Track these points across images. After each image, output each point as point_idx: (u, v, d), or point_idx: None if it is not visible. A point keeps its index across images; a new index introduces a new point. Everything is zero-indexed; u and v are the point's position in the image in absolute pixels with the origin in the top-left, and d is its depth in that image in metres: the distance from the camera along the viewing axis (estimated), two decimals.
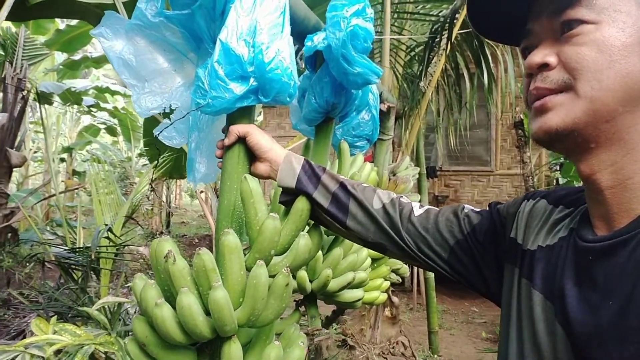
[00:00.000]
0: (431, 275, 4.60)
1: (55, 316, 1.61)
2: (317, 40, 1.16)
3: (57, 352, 1.45)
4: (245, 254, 0.92)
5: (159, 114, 1.19)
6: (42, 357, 1.42)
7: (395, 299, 4.08)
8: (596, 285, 0.59)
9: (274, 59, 0.94)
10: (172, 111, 1.16)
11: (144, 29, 1.11)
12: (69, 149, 11.92)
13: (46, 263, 3.73)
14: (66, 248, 3.18)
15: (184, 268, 0.87)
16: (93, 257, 2.57)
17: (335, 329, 3.89)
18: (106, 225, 2.94)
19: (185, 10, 1.06)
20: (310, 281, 1.46)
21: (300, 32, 1.31)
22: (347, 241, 1.50)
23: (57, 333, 1.52)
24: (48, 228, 6.10)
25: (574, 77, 0.62)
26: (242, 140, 1.02)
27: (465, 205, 0.91)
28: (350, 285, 1.49)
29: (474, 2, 0.75)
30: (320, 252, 1.42)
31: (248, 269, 0.90)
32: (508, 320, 0.74)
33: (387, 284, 2.12)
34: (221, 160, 1.06)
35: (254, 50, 0.94)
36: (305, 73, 1.48)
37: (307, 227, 1.01)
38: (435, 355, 4.68)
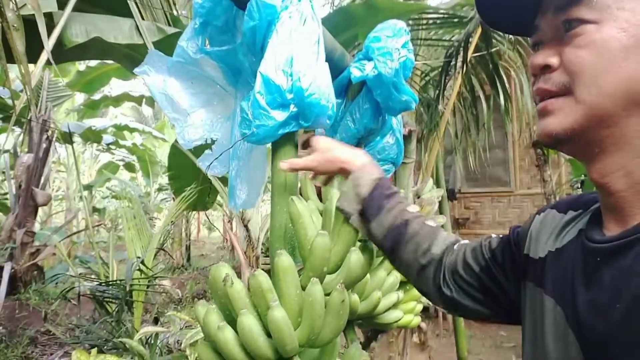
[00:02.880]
0: None
1: (96, 348, 1.63)
2: (368, 70, 1.22)
3: None
4: (299, 275, 0.94)
5: (190, 150, 1.24)
6: None
7: (423, 325, 4.02)
8: (604, 288, 0.58)
9: (312, 85, 0.99)
10: (213, 142, 1.21)
11: (185, 65, 1.17)
12: (88, 187, 12.15)
13: (73, 299, 3.78)
14: (98, 282, 3.22)
15: (242, 290, 0.89)
16: (127, 289, 2.60)
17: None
18: (138, 257, 2.99)
19: (225, 47, 1.13)
20: None
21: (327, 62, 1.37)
22: (387, 261, 1.52)
23: None
24: (75, 263, 6.17)
25: (572, 81, 0.60)
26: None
27: (492, 235, 0.90)
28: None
29: None
30: (367, 274, 1.43)
31: (303, 289, 0.91)
32: (524, 334, 0.73)
33: (420, 306, 2.10)
34: None
35: (292, 78, 0.99)
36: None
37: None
38: None
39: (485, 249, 0.86)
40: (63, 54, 2.06)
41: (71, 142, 7.16)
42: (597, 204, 0.69)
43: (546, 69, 0.64)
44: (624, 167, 0.60)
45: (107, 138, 10.08)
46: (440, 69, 3.66)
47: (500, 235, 0.89)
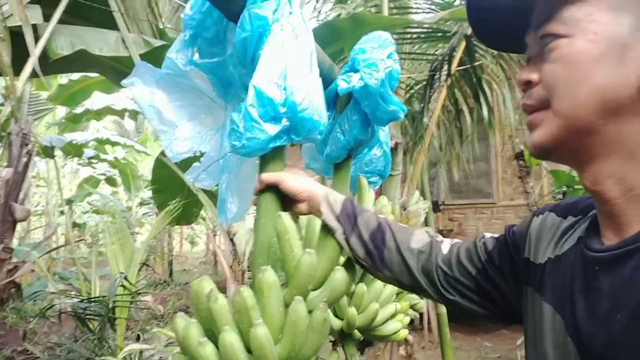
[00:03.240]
0: (444, 310, 4.53)
1: None
2: (354, 81, 1.22)
3: None
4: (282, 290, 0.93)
5: (175, 163, 1.22)
6: None
7: (409, 337, 4.00)
8: (603, 296, 0.58)
9: (305, 100, 0.98)
10: (201, 155, 1.20)
11: (174, 77, 1.15)
12: (69, 202, 11.94)
13: (53, 317, 3.69)
14: (80, 298, 3.15)
15: (225, 305, 0.88)
16: (110, 306, 2.54)
17: None
18: (122, 273, 2.93)
19: (215, 59, 1.12)
20: None
21: None
22: None
23: None
24: (55, 280, 6.02)
25: (550, 95, 0.62)
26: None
27: (485, 234, 0.90)
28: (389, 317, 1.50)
29: (472, 11, 0.73)
30: (364, 287, 1.42)
31: (286, 305, 0.91)
32: (527, 341, 0.73)
33: (407, 319, 2.10)
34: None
35: (285, 92, 0.98)
36: None
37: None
38: None
39: (481, 251, 0.85)
40: (48, 66, 2.03)
41: (52, 156, 7.05)
42: (595, 210, 0.69)
43: (529, 84, 0.66)
44: (615, 173, 0.61)
45: (89, 152, 9.94)
46: (424, 83, 3.72)
47: (495, 235, 0.88)
